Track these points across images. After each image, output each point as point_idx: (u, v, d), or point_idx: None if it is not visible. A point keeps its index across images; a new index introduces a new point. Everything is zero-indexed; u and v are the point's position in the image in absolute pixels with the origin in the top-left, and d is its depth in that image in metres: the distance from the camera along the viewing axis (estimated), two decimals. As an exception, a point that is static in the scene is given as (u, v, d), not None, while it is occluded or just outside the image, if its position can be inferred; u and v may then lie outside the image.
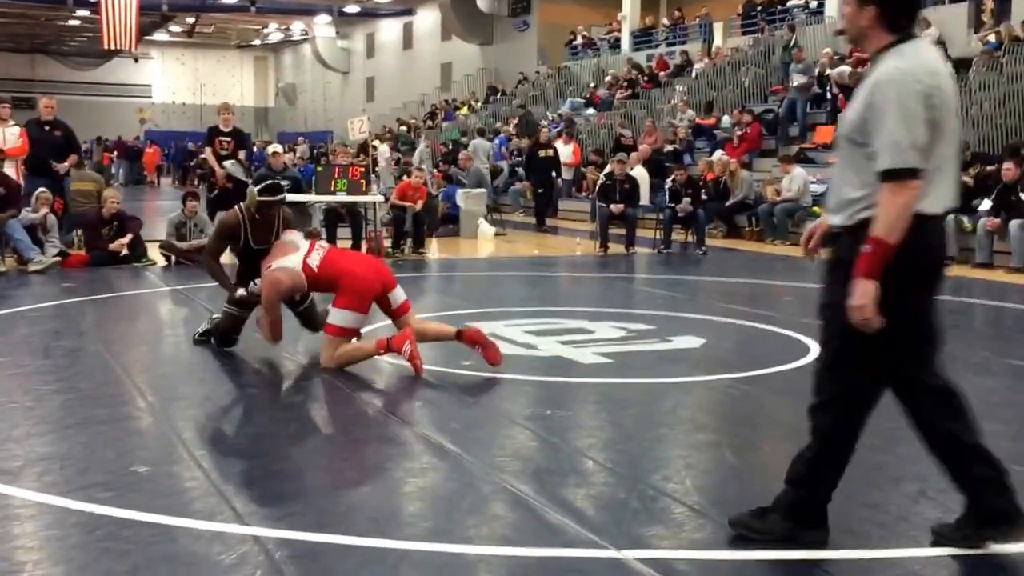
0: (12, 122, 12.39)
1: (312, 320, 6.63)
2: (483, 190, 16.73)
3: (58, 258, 10.86)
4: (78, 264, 10.98)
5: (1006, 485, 3.26)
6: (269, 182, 6.76)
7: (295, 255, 6.08)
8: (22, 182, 11.67)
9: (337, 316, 5.92)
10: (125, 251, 11.21)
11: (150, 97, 48.86)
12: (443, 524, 3.62)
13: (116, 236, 11.26)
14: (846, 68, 17.05)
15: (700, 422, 5.19)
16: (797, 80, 18.38)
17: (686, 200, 13.57)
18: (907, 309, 3.16)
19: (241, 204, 6.80)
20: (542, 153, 18.15)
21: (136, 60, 43.77)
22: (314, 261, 6.03)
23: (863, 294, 3.06)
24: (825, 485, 3.37)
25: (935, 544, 3.38)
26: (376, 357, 6.00)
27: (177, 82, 50.02)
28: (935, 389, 3.29)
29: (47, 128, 11.96)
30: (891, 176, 3.03)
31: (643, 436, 4.88)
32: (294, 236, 6.44)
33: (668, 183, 14.22)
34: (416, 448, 4.58)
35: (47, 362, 6.36)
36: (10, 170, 11.51)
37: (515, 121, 25.07)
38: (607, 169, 15.03)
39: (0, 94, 14.35)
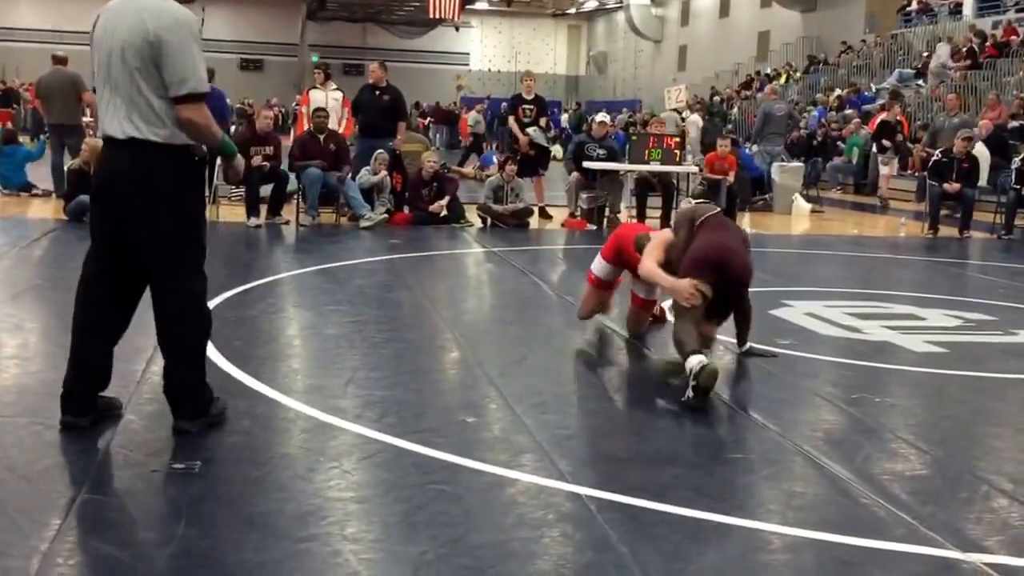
0: (334, 85, 13.16)
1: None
2: (800, 164, 16.12)
3: (385, 215, 11.55)
4: (403, 223, 11.62)
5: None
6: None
7: None
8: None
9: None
10: (444, 212, 11.74)
11: (467, 65, 50.84)
12: (767, 503, 3.55)
13: (436, 197, 11.80)
14: None
15: (1050, 424, 4.74)
16: None
17: (1035, 181, 12.43)
18: None
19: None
20: None
21: (457, 29, 45.58)
22: None
23: None
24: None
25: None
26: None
27: (494, 50, 51.70)
28: None
29: (377, 92, 12.64)
30: None
31: (983, 433, 4.54)
32: None
33: (1016, 162, 13.05)
34: (735, 424, 4.49)
35: (380, 312, 6.77)
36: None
37: (836, 93, 23.97)
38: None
39: (323, 60, 15.03)
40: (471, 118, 27.67)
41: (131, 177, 3.76)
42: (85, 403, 3.96)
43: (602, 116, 13.62)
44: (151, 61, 3.70)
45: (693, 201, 6.09)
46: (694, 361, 4.63)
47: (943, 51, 22.47)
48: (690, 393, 4.61)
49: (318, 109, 11.93)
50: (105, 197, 3.86)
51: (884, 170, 17.26)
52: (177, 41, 3.71)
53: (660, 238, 5.66)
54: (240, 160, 4.13)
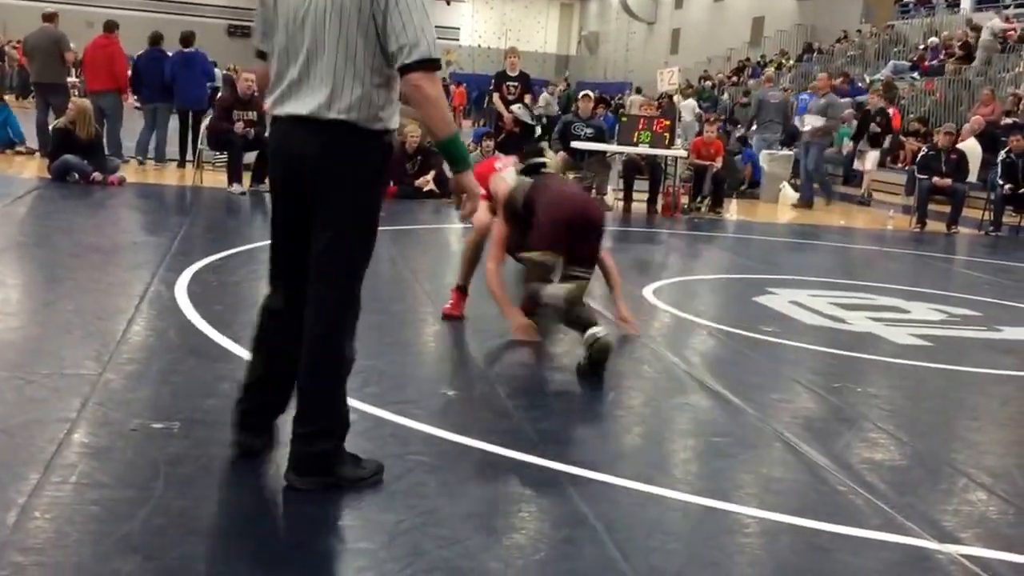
0: None
1: None
2: (790, 152, 16.09)
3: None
4: (387, 196, 11.52)
5: None
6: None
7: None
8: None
9: None
10: (430, 186, 11.64)
11: (457, 40, 50.52)
12: (745, 487, 3.55)
13: (420, 171, 11.71)
14: None
15: (1032, 421, 4.76)
16: (809, 123, 14.67)
17: (1027, 176, 12.36)
18: None
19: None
20: None
21: (448, 3, 45.30)
22: None
23: None
24: None
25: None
26: None
27: (485, 26, 51.36)
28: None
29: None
30: None
31: (963, 427, 4.56)
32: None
33: (1001, 155, 12.98)
34: (715, 408, 4.48)
35: (365, 283, 6.71)
36: None
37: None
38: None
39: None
40: (542, 99, 23.26)
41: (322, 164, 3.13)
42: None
43: (586, 90, 13.59)
44: (370, 17, 2.99)
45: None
46: (592, 332, 4.74)
47: (995, 23, 22.16)
48: (583, 362, 4.77)
49: None
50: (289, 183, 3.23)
51: (859, 164, 17.01)
52: None
53: (496, 233, 5.59)
54: (472, 183, 3.20)
